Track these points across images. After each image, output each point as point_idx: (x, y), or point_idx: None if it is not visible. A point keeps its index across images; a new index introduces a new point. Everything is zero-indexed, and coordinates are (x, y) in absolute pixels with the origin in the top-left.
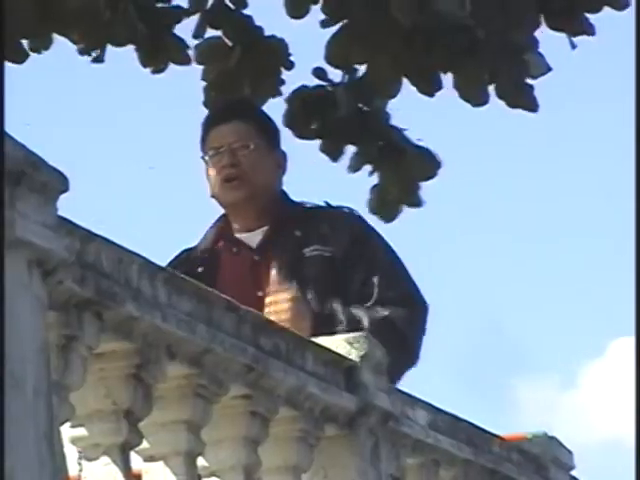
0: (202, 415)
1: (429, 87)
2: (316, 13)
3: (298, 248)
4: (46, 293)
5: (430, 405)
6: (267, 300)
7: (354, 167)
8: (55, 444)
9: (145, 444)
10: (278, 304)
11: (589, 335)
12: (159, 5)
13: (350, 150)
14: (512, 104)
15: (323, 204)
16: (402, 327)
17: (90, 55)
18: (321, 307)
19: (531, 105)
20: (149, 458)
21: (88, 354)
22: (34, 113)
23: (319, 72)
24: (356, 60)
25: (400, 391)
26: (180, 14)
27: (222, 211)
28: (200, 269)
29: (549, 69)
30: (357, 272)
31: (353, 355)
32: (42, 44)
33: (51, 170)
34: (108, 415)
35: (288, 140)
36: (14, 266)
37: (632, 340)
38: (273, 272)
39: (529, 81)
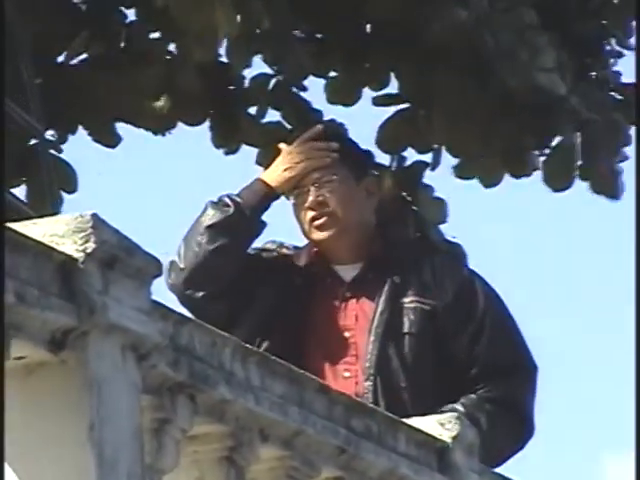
0: None
1: (523, 169)
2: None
3: (395, 296)
4: (140, 377)
5: None
6: None
7: None
8: None
9: None
10: None
11: None
12: (231, 87)
13: None
14: (597, 189)
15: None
16: (515, 401)
17: (164, 135)
18: (420, 367)
19: (615, 191)
20: None
21: (181, 437)
22: (128, 197)
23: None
24: (439, 140)
25: (492, 472)
26: (252, 97)
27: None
28: (299, 281)
29: None
30: (463, 331)
31: (445, 436)
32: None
33: (145, 255)
34: None
35: None
36: (109, 351)
37: None
38: (364, 315)
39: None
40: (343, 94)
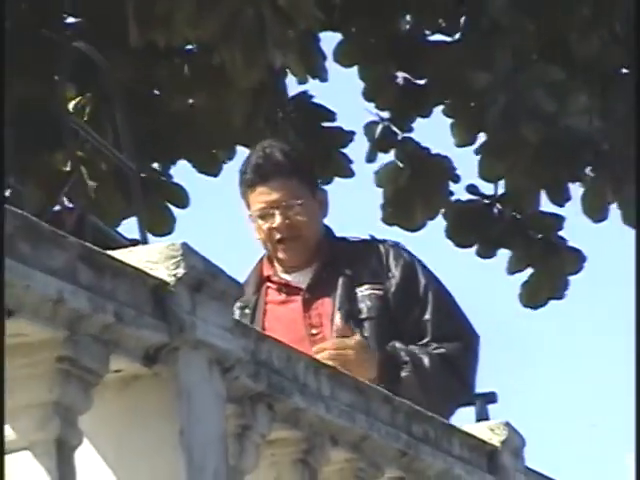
0: None
1: (560, 198)
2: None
3: (350, 287)
4: (224, 388)
5: None
6: (330, 343)
7: (513, 270)
8: None
9: None
10: (344, 350)
11: None
12: (325, 126)
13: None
14: (626, 220)
15: (368, 238)
16: (458, 363)
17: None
18: (381, 347)
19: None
20: None
21: (261, 441)
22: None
23: (472, 188)
24: (496, 175)
25: (535, 471)
26: (346, 136)
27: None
28: (248, 310)
29: None
30: (410, 310)
31: (494, 440)
32: (226, 155)
33: (228, 279)
34: None
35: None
36: (197, 364)
37: None
38: (326, 311)
39: None
40: (464, 137)
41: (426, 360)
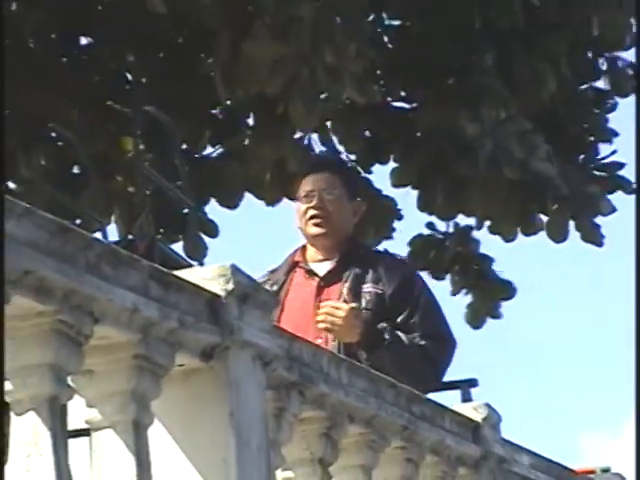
0: (372, 461)
1: (530, 229)
2: None
3: (357, 283)
4: (265, 378)
5: (530, 451)
6: (330, 302)
7: (455, 291)
8: None
9: None
10: (338, 310)
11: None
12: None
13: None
14: (585, 238)
15: (383, 250)
16: (435, 358)
17: (273, 206)
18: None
19: (599, 241)
20: None
21: (294, 420)
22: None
23: (430, 225)
24: (473, 211)
25: (510, 442)
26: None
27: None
28: (275, 287)
29: (614, 210)
30: (403, 310)
31: (477, 417)
32: (232, 203)
33: (268, 292)
34: (307, 462)
35: None
36: (243, 360)
37: None
38: (333, 298)
39: (599, 220)
40: (400, 180)
41: (407, 343)
